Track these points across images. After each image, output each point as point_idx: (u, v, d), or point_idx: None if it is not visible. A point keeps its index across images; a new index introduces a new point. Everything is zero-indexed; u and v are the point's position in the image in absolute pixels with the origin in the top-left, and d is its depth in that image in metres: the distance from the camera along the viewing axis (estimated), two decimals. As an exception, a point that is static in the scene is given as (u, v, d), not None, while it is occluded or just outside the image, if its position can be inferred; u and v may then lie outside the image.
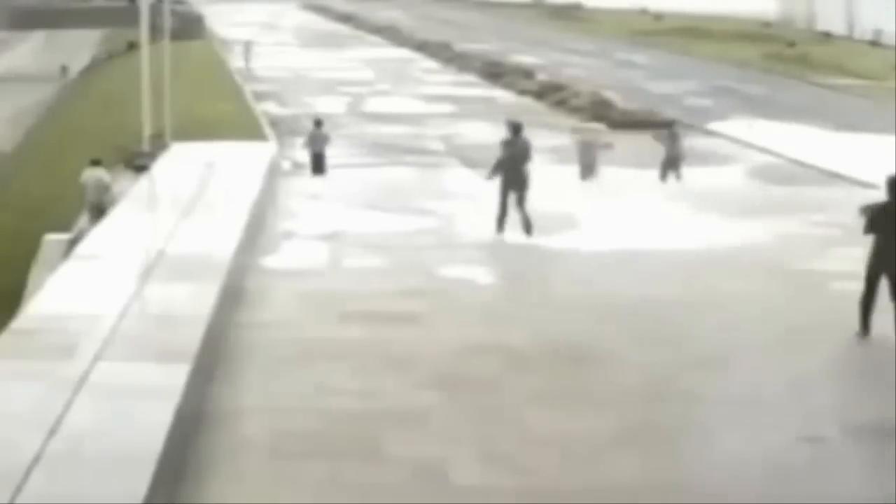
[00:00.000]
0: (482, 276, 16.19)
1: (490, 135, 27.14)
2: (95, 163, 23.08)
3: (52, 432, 8.69)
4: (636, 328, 13.27)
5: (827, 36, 72.73)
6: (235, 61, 55.16)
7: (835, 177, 26.03)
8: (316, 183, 23.90)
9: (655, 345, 12.62)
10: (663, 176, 25.78)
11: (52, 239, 19.48)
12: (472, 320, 13.64)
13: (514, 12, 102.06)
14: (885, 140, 27.91)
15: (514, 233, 18.53)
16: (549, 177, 24.88)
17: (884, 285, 12.82)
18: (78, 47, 68.51)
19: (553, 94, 39.87)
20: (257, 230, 17.55)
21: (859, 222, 13.13)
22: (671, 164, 25.91)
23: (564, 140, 29.92)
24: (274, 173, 22.79)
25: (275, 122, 32.37)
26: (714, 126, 33.35)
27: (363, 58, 58.87)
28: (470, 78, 48.21)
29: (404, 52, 62.53)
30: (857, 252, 14.28)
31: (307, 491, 9.08)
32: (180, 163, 22.12)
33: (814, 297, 14.79)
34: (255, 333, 12.90)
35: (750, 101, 40.08)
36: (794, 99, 41.41)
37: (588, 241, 18.13)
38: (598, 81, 43.06)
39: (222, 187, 19.33)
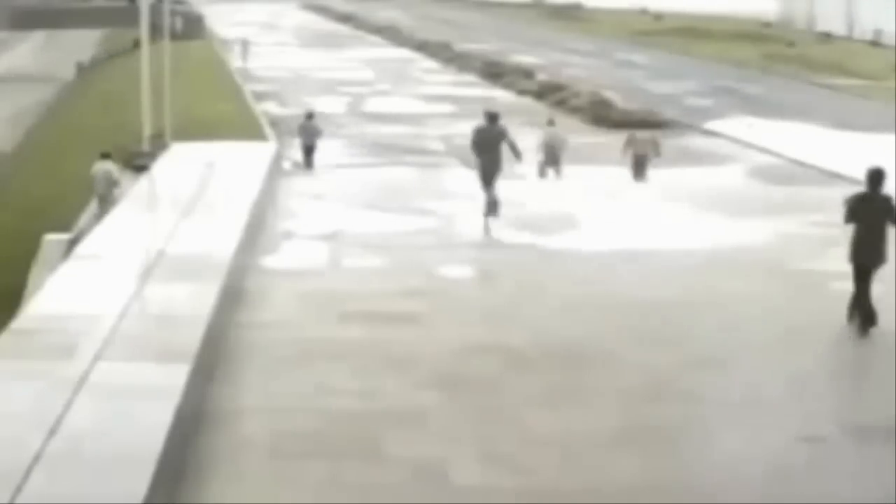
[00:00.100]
0: (482, 276, 16.19)
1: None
2: (105, 156, 23.48)
3: (52, 432, 8.69)
4: (636, 328, 13.27)
5: (827, 36, 72.75)
6: (235, 61, 55.16)
7: (835, 177, 26.02)
8: (316, 183, 23.89)
9: (655, 345, 12.62)
10: (636, 175, 25.79)
11: (52, 239, 19.49)
12: (472, 320, 13.64)
13: (514, 12, 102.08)
14: (885, 140, 27.94)
15: (513, 232, 18.54)
16: (548, 177, 24.95)
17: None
18: (79, 47, 68.48)
19: (553, 94, 39.90)
20: (257, 230, 17.55)
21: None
22: (639, 163, 26.09)
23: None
24: (274, 173, 22.79)
25: (275, 122, 32.38)
26: (714, 126, 33.36)
27: (363, 58, 58.89)
28: (470, 78, 48.23)
29: (404, 52, 62.56)
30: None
31: (307, 491, 9.08)
32: (180, 163, 22.12)
33: (814, 297, 14.80)
34: (255, 333, 12.90)
35: (750, 101, 40.10)
36: (794, 99, 41.41)
37: (588, 241, 18.13)
38: (598, 81, 43.08)
39: (222, 187, 19.33)
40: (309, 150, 27.10)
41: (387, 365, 11.92)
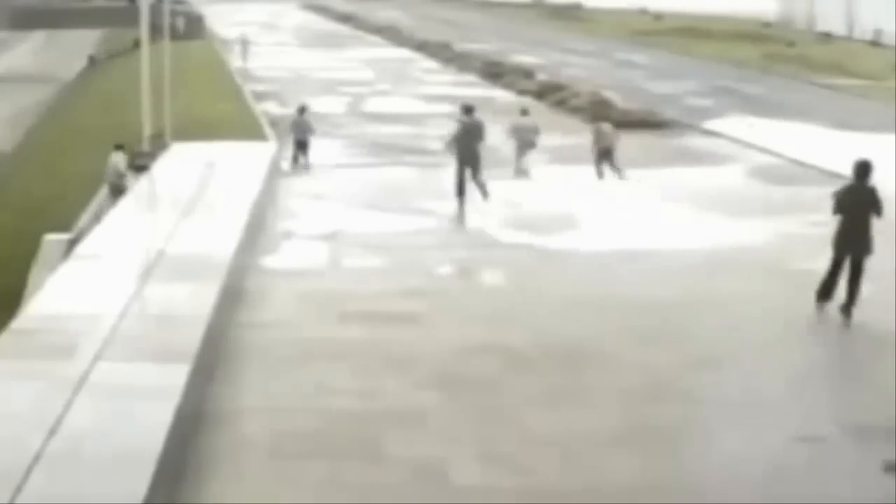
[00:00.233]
0: (482, 275, 16.19)
1: (490, 134, 27.17)
2: (119, 147, 23.68)
3: (52, 432, 8.69)
4: (636, 328, 13.27)
5: (827, 36, 72.74)
6: (235, 61, 55.16)
7: (835, 177, 25.95)
8: (316, 183, 23.90)
9: (655, 345, 12.62)
10: (601, 169, 25.79)
11: (52, 239, 19.49)
12: (472, 320, 13.64)
13: (514, 12, 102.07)
14: (885, 140, 27.93)
15: (512, 232, 18.56)
16: (548, 177, 24.95)
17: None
18: (79, 47, 68.47)
19: (553, 94, 39.87)
20: (257, 230, 17.56)
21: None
22: (604, 156, 25.92)
23: (565, 140, 29.96)
24: (274, 173, 22.79)
25: (275, 122, 32.36)
26: (714, 126, 33.35)
27: (363, 58, 58.88)
28: (470, 78, 48.21)
29: (404, 52, 62.55)
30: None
31: (307, 491, 9.08)
32: (180, 163, 22.12)
33: (814, 297, 14.80)
34: (255, 333, 12.91)
35: (750, 101, 40.09)
36: (794, 99, 41.41)
37: (588, 241, 18.14)
38: (598, 81, 43.07)
39: (222, 187, 19.34)
40: (302, 145, 27.09)
41: (387, 365, 11.92)
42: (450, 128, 22.35)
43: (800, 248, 17.11)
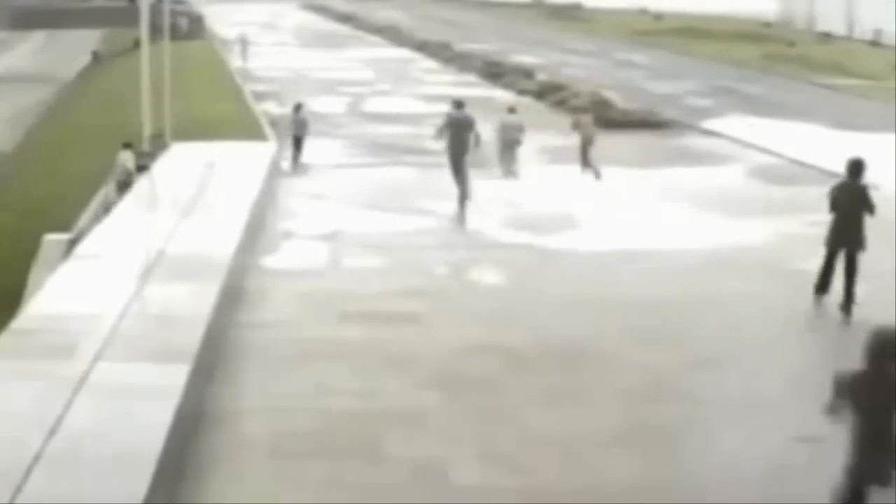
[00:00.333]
0: (482, 275, 16.19)
1: (489, 134, 27.18)
2: (127, 145, 24.00)
3: (52, 432, 8.69)
4: (636, 328, 13.28)
5: (827, 36, 72.71)
6: (235, 61, 55.14)
7: (835, 177, 25.92)
8: (316, 183, 23.90)
9: (655, 345, 12.62)
10: (584, 165, 25.67)
11: (52, 239, 19.48)
12: (471, 320, 13.64)
13: (514, 12, 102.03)
14: (885, 140, 27.92)
15: (512, 232, 18.57)
16: (547, 177, 24.94)
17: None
18: (80, 47, 68.45)
19: (553, 94, 39.85)
20: (257, 230, 17.56)
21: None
22: (585, 147, 25.75)
23: (565, 140, 29.94)
24: (274, 173, 22.79)
25: (275, 122, 32.35)
26: (714, 126, 33.34)
27: (363, 58, 58.86)
28: (470, 78, 48.19)
29: (404, 52, 62.53)
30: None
31: (307, 491, 9.08)
32: (180, 163, 22.13)
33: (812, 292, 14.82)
34: (255, 333, 12.91)
35: (750, 101, 40.07)
36: (794, 99, 41.39)
37: (588, 241, 18.14)
38: (598, 81, 43.05)
39: (222, 187, 19.34)
40: (298, 142, 27.12)
41: (387, 365, 11.92)
42: (441, 120, 22.48)
43: (800, 248, 17.10)
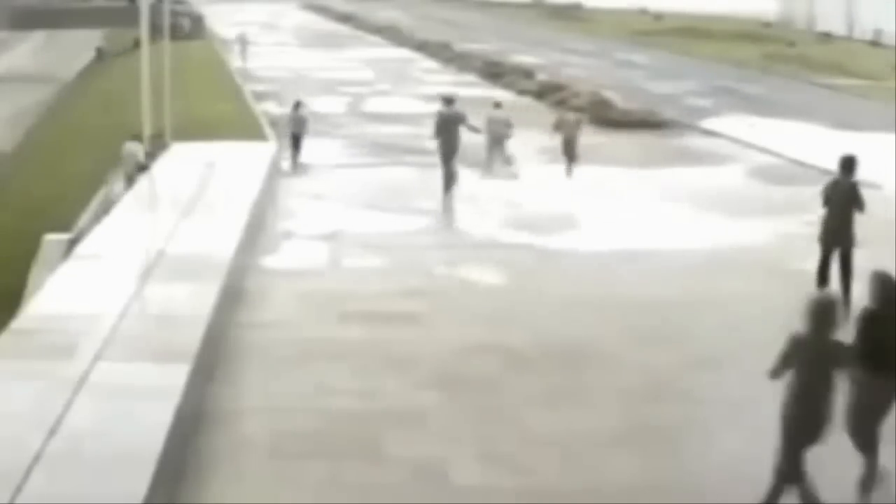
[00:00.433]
0: (482, 275, 16.20)
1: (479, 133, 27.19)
2: (135, 137, 24.00)
3: (52, 432, 8.70)
4: (636, 328, 13.28)
5: (827, 36, 72.69)
6: (235, 61, 55.12)
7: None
8: (316, 183, 23.90)
9: (655, 345, 12.62)
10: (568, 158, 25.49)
11: (52, 239, 19.46)
12: (472, 320, 13.65)
13: (514, 12, 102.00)
14: (885, 140, 27.92)
15: (512, 232, 18.57)
16: (547, 177, 24.92)
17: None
18: (80, 47, 68.44)
19: (553, 94, 39.80)
20: (257, 230, 17.56)
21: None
22: (568, 145, 25.52)
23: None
24: (274, 173, 22.80)
25: (275, 122, 32.33)
26: (714, 126, 33.33)
27: (363, 58, 58.83)
28: (470, 78, 48.14)
29: (404, 52, 62.50)
30: (859, 252, 14.31)
31: (307, 491, 9.08)
32: (180, 163, 22.14)
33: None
34: (255, 333, 12.91)
35: (750, 101, 40.05)
36: (794, 99, 41.38)
37: (588, 241, 18.14)
38: (598, 81, 43.02)
39: (222, 187, 19.35)
40: (296, 140, 27.09)
41: (387, 365, 11.92)
42: (435, 118, 22.74)
43: (799, 248, 17.10)
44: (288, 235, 18.27)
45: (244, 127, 32.48)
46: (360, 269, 16.24)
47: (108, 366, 10.33)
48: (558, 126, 26.17)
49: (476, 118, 23.57)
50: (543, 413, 10.76)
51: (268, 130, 31.77)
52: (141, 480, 7.96)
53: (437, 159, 22.18)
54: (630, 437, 10.22)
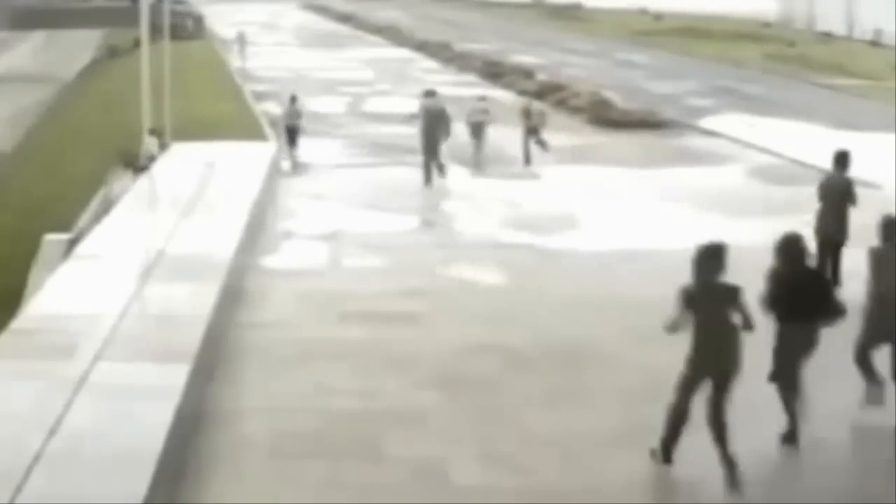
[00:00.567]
0: (482, 275, 16.20)
1: (494, 136, 27.22)
2: (152, 131, 24.32)
3: (52, 432, 8.70)
4: (636, 328, 13.26)
5: (827, 36, 72.67)
6: (235, 61, 55.10)
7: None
8: (316, 183, 23.90)
9: (655, 345, 12.58)
10: (528, 150, 26.04)
11: (52, 239, 19.44)
12: (472, 320, 13.65)
13: (514, 12, 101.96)
14: (885, 140, 27.90)
15: (512, 232, 18.57)
16: (547, 177, 24.93)
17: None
18: (80, 47, 68.45)
19: (553, 94, 39.76)
20: (257, 230, 17.57)
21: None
22: (531, 135, 26.21)
23: (565, 140, 29.94)
24: (274, 173, 22.80)
25: (275, 122, 32.32)
26: (714, 126, 33.31)
27: (363, 58, 58.81)
28: (470, 78, 48.10)
29: (404, 52, 62.46)
30: (858, 252, 14.28)
31: (307, 491, 9.08)
32: (180, 163, 22.14)
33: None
34: (255, 333, 12.91)
35: (750, 101, 40.04)
36: (794, 99, 41.36)
37: (588, 241, 18.14)
38: (598, 81, 43.01)
39: (222, 187, 19.36)
40: (292, 133, 27.22)
41: (387, 365, 11.93)
42: (414, 106, 24.14)
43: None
44: (288, 235, 18.27)
45: (244, 127, 32.48)
46: (360, 269, 16.25)
47: (108, 366, 10.34)
48: (525, 115, 26.85)
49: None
50: (543, 413, 10.76)
51: (268, 130, 31.77)
52: (141, 480, 7.96)
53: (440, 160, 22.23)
54: (630, 437, 10.21)
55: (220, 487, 9.08)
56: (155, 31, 26.16)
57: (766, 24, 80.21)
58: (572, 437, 10.23)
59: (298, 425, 10.35)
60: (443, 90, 30.13)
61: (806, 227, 17.80)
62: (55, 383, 9.73)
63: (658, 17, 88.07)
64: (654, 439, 10.27)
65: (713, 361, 9.24)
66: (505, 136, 27.18)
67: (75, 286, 13.37)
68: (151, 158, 22.95)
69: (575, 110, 35.83)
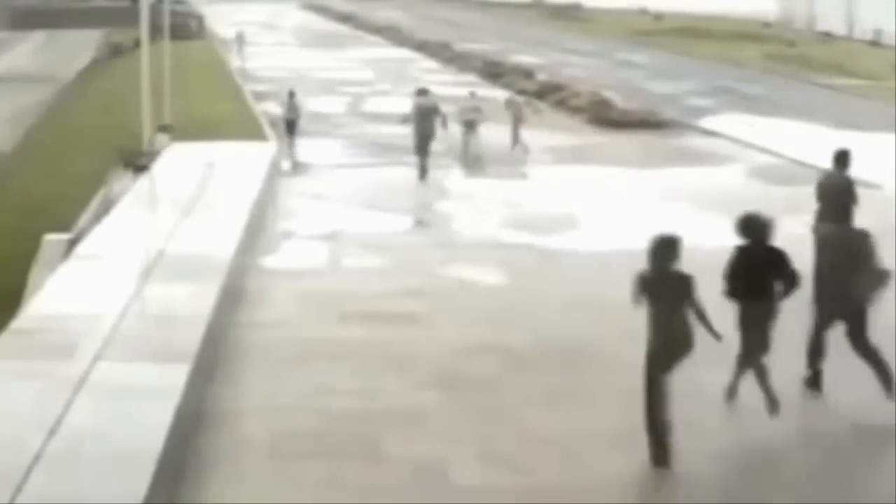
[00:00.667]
0: (482, 275, 16.20)
1: (489, 134, 27.21)
2: (163, 128, 25.16)
3: (52, 432, 8.70)
4: (636, 328, 13.23)
5: (827, 36, 72.65)
6: (235, 61, 55.10)
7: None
8: (315, 183, 23.91)
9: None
10: (514, 142, 27.21)
11: (52, 239, 19.44)
12: (472, 320, 13.65)
13: (514, 12, 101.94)
14: (885, 140, 27.90)
15: (512, 232, 18.56)
16: (547, 177, 24.94)
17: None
18: (80, 47, 68.45)
19: (553, 94, 39.75)
20: (257, 230, 17.57)
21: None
22: (515, 125, 27.47)
23: (564, 140, 29.96)
24: (274, 173, 22.80)
25: (275, 122, 32.31)
26: (714, 126, 33.31)
27: (363, 58, 58.80)
28: (470, 78, 48.09)
29: (404, 52, 62.45)
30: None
31: (307, 491, 9.09)
32: (180, 163, 22.14)
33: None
34: (255, 333, 12.91)
35: (750, 101, 40.04)
36: (794, 99, 41.36)
37: (588, 241, 18.13)
38: (598, 81, 43.01)
39: (222, 187, 19.35)
40: (291, 124, 27.60)
41: (387, 365, 11.93)
42: (410, 106, 24.77)
43: (799, 248, 17.05)
44: (288, 235, 18.27)
45: (244, 127, 32.48)
46: (360, 269, 16.25)
47: (108, 366, 10.34)
48: (508, 105, 28.21)
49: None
50: (543, 413, 10.76)
51: (268, 130, 31.78)
52: (141, 480, 7.96)
53: (437, 160, 22.22)
54: (630, 437, 10.21)
55: (220, 487, 9.08)
56: (156, 31, 26.19)
57: (766, 24, 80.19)
58: (572, 437, 10.23)
59: (298, 425, 10.35)
60: (443, 90, 30.16)
61: (807, 227, 17.86)
62: (55, 383, 9.73)
63: (658, 17, 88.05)
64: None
65: (664, 345, 9.69)
66: (504, 135, 27.22)
67: (75, 286, 13.38)
68: (152, 156, 22.97)
69: (575, 110, 35.82)
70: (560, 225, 19.15)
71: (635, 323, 13.42)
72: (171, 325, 11.77)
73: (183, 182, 19.62)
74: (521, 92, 41.92)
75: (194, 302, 12.51)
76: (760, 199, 22.27)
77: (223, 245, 15.21)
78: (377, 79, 48.56)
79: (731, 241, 12.50)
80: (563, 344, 12.73)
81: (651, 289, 9.82)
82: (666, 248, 10.01)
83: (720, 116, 35.38)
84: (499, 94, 39.44)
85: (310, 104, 33.24)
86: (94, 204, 23.28)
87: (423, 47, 62.89)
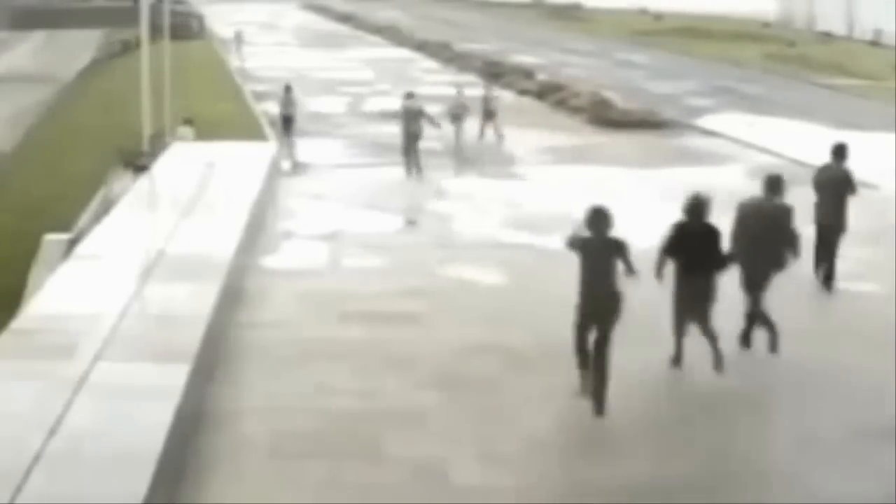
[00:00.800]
0: (482, 275, 16.20)
1: (488, 134, 27.19)
2: (187, 121, 26.19)
3: (52, 432, 8.70)
4: (636, 328, 13.25)
5: (827, 36, 72.67)
6: (235, 61, 55.12)
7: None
8: (315, 183, 23.92)
9: (655, 345, 12.61)
10: (481, 132, 28.78)
11: (52, 239, 19.45)
12: (472, 320, 13.65)
13: (514, 12, 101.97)
14: (885, 139, 27.91)
15: (512, 232, 18.55)
16: (547, 177, 24.95)
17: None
18: (80, 47, 68.47)
19: (553, 94, 39.77)
20: (257, 230, 17.56)
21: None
22: (487, 118, 29.01)
23: (565, 140, 29.97)
24: (274, 173, 22.80)
25: (274, 122, 32.33)
26: (714, 126, 33.32)
27: (363, 58, 58.81)
28: (470, 78, 48.11)
29: (404, 52, 62.47)
30: (859, 252, 14.32)
31: (307, 491, 9.09)
32: (180, 163, 22.13)
33: (814, 297, 14.81)
34: (255, 333, 12.91)
35: (750, 101, 40.05)
36: (794, 99, 41.37)
37: (588, 240, 18.08)
38: (598, 81, 43.02)
39: (222, 187, 19.35)
40: (287, 120, 28.01)
41: (387, 365, 11.93)
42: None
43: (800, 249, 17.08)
44: (288, 235, 18.26)
45: (244, 127, 32.50)
46: (360, 269, 16.24)
47: (108, 366, 10.34)
48: (483, 100, 29.44)
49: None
50: (543, 413, 10.75)
51: (268, 130, 31.79)
52: (141, 480, 7.96)
53: (437, 160, 22.23)
54: (630, 438, 10.22)
55: (220, 487, 9.08)
56: (156, 30, 26.19)
57: (766, 24, 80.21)
58: (572, 437, 10.23)
59: (298, 425, 10.35)
60: (442, 90, 30.12)
61: (809, 227, 17.87)
62: (55, 383, 9.73)
63: (658, 17, 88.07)
64: (655, 439, 10.28)
65: (593, 304, 10.99)
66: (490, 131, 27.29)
67: (75, 286, 13.37)
68: (139, 165, 22.93)
69: (575, 110, 35.83)
70: (560, 225, 19.05)
71: (635, 323, 13.47)
72: (171, 325, 11.77)
73: (183, 182, 19.62)
74: (522, 92, 42.02)
75: (194, 302, 12.50)
76: (760, 199, 22.33)
77: (223, 245, 15.20)
78: (377, 79, 48.57)
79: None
80: (563, 344, 12.68)
81: (584, 247, 11.27)
82: (600, 215, 11.45)
83: (720, 116, 35.38)
84: (499, 94, 39.51)
85: (310, 104, 33.27)
86: (94, 204, 23.30)
87: (422, 47, 62.90)
